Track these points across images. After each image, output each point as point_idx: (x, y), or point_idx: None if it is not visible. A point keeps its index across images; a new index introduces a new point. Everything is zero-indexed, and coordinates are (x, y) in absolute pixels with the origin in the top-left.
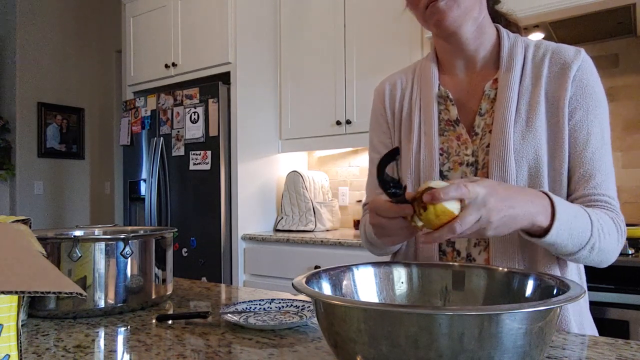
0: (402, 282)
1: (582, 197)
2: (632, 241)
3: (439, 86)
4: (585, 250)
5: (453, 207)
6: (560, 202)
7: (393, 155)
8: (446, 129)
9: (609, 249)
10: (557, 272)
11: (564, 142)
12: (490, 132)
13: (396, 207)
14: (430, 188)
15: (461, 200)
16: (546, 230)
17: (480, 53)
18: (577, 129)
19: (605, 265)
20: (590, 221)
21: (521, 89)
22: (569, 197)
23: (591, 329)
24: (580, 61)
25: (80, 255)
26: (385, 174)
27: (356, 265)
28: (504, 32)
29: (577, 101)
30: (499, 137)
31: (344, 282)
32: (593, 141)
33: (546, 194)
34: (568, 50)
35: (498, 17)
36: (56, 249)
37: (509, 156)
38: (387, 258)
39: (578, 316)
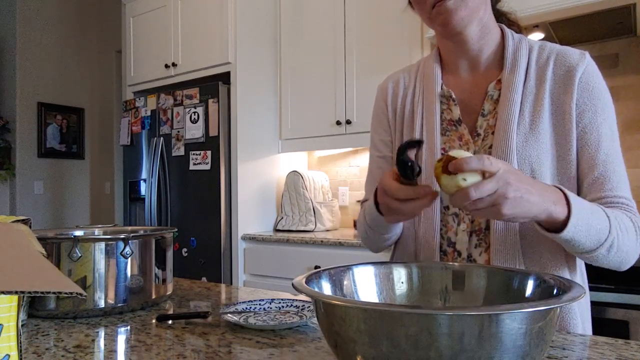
0: (402, 282)
1: (597, 199)
2: None
3: (441, 85)
4: (604, 248)
5: (475, 179)
6: (575, 196)
7: (418, 143)
8: (448, 129)
9: (627, 249)
10: (565, 275)
11: (572, 146)
12: (492, 133)
13: (406, 189)
14: (452, 157)
15: (483, 175)
16: (563, 224)
17: (484, 53)
18: (587, 132)
19: (624, 268)
20: (608, 218)
21: (525, 91)
22: None
23: (590, 331)
24: (586, 64)
25: (80, 255)
26: (406, 156)
27: (356, 265)
28: (509, 32)
29: (585, 104)
30: (502, 138)
31: (344, 282)
32: (604, 143)
33: (559, 187)
34: (573, 53)
35: (499, 17)
36: (56, 249)
37: (512, 158)
38: (386, 257)
39: (581, 317)
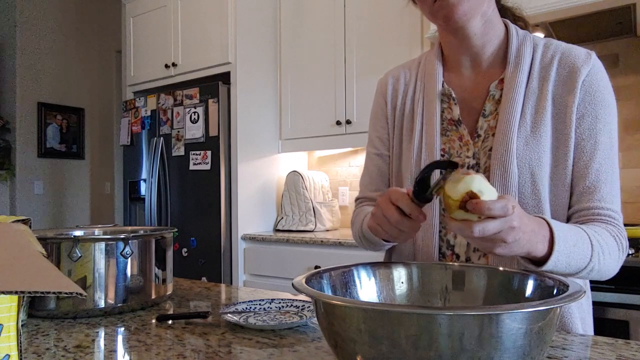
0: (402, 282)
1: (585, 209)
2: (632, 241)
3: (442, 83)
4: (583, 273)
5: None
6: (561, 232)
7: (450, 165)
8: (448, 129)
9: (608, 267)
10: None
11: (569, 150)
12: (493, 135)
13: (417, 209)
14: (474, 194)
15: None
16: (544, 260)
17: (488, 50)
18: (584, 138)
19: (604, 279)
20: (591, 246)
21: (527, 92)
22: (571, 208)
23: (591, 332)
24: (591, 65)
25: (80, 255)
26: (425, 177)
27: (356, 265)
28: (513, 28)
29: (586, 108)
30: (502, 141)
31: (344, 282)
32: (600, 151)
33: (547, 222)
34: (578, 53)
35: (504, 12)
36: (56, 249)
37: (512, 162)
38: (381, 257)
39: (582, 319)
